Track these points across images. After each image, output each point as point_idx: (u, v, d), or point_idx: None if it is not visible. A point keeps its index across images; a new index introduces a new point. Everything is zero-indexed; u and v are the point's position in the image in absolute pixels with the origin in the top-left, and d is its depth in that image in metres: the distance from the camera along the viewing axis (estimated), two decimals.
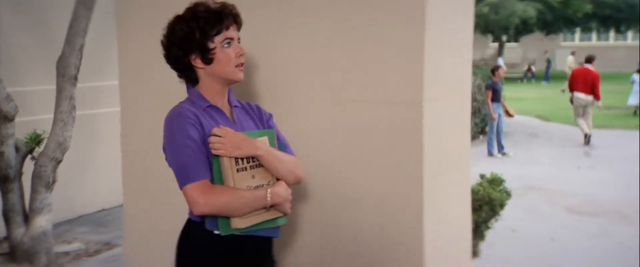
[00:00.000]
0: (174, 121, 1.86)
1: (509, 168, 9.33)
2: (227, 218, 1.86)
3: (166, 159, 1.89)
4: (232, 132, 1.87)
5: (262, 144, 1.92)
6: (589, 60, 11.90)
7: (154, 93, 2.81)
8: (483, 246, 4.89)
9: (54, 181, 4.88)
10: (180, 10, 1.98)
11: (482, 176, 4.99)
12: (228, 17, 1.93)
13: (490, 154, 10.65)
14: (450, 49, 2.66)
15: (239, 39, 1.98)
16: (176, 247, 1.99)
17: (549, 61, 30.01)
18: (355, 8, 2.48)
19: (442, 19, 2.53)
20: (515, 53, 36.77)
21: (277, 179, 1.96)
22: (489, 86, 10.42)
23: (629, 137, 12.61)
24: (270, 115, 2.15)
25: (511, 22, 27.65)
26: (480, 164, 9.70)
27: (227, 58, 1.93)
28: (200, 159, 1.83)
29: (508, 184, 8.24)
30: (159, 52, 2.02)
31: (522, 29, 30.85)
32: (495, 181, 4.90)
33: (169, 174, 1.90)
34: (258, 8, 2.59)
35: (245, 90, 2.60)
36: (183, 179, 1.81)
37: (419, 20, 2.36)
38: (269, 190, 1.90)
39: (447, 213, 2.75)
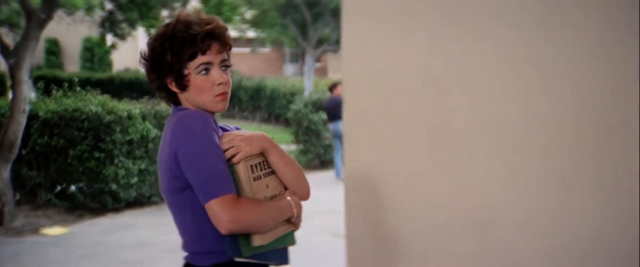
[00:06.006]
0: (194, 124, 1.61)
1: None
2: (247, 237, 1.65)
3: (169, 170, 1.64)
4: (236, 132, 1.71)
5: (269, 137, 1.74)
6: None
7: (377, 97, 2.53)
8: None
9: None
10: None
11: None
12: (205, 40, 1.63)
13: (339, 176, 8.49)
14: None
15: (223, 62, 1.68)
16: None
17: None
18: None
19: None
20: None
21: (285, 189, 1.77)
22: (327, 105, 8.93)
23: None
24: None
25: None
26: (333, 189, 7.44)
27: (205, 86, 1.66)
28: (226, 169, 1.61)
29: (316, 206, 5.08)
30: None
31: None
32: None
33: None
34: None
35: None
36: (210, 193, 1.57)
37: None
38: (290, 198, 1.72)
39: None
